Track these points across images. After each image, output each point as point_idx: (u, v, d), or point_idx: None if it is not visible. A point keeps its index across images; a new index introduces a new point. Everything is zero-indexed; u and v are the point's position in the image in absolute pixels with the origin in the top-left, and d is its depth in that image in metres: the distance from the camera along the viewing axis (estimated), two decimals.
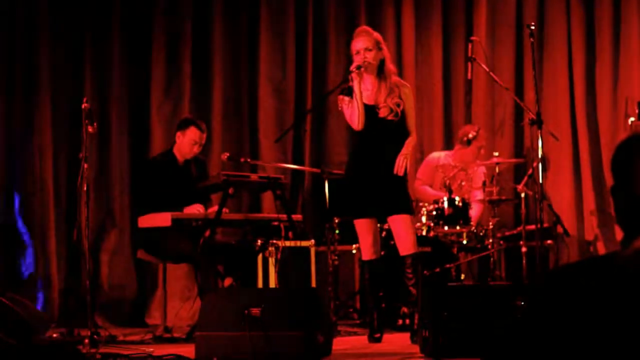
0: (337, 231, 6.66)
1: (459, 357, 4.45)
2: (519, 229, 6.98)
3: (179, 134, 6.23)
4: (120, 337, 5.87)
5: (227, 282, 6.04)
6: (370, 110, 5.34)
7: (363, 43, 5.33)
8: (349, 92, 5.32)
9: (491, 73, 6.02)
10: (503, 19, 7.96)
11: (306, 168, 7.35)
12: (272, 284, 6.18)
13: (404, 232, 5.34)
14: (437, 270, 6.45)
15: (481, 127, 7.30)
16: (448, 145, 7.75)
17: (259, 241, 6.27)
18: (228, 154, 6.32)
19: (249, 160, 6.72)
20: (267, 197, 7.48)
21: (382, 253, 5.65)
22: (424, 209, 6.73)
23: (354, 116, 5.30)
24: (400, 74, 5.69)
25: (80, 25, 7.37)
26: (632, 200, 1.61)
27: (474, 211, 6.89)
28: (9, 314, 4.70)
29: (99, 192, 7.26)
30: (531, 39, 5.72)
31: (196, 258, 5.85)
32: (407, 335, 5.44)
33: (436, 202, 6.68)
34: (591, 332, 1.44)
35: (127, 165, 7.47)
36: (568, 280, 1.51)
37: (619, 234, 6.50)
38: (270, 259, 6.21)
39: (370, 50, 5.32)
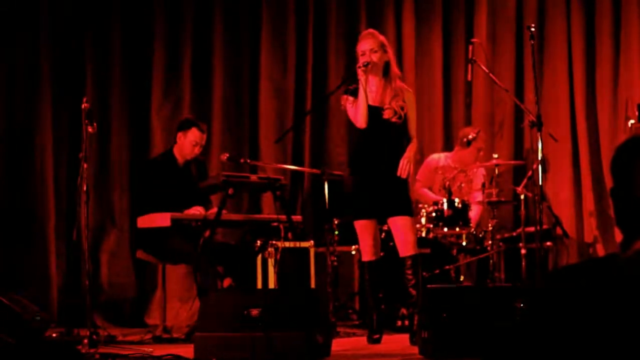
0: (336, 232, 6.66)
1: (458, 359, 4.45)
2: (518, 230, 6.99)
3: (179, 134, 6.23)
4: (120, 337, 5.87)
5: (227, 282, 6.04)
6: (374, 111, 5.35)
7: (369, 44, 5.37)
8: (354, 92, 5.35)
9: (491, 75, 6.02)
10: (503, 20, 7.97)
11: (306, 169, 7.34)
12: (272, 284, 6.18)
13: (404, 234, 5.34)
14: (437, 271, 6.46)
15: (481, 129, 7.30)
16: (448, 146, 7.75)
17: (259, 242, 6.28)
18: (228, 155, 6.32)
19: (248, 161, 6.71)
20: (267, 198, 7.48)
21: (382, 254, 5.65)
22: (423, 210, 6.74)
23: (358, 114, 5.32)
24: (402, 76, 5.70)
25: (81, 25, 7.37)
26: (632, 202, 1.61)
27: (474, 213, 6.90)
28: (9, 313, 4.70)
29: (99, 192, 7.25)
30: (531, 41, 5.72)
31: (196, 258, 5.84)
32: (406, 336, 5.44)
33: (436, 203, 6.68)
34: (591, 333, 1.45)
35: (127, 166, 7.47)
36: (568, 281, 1.51)
37: (618, 236, 6.51)
38: (269, 260, 6.21)
39: (375, 51, 5.35)
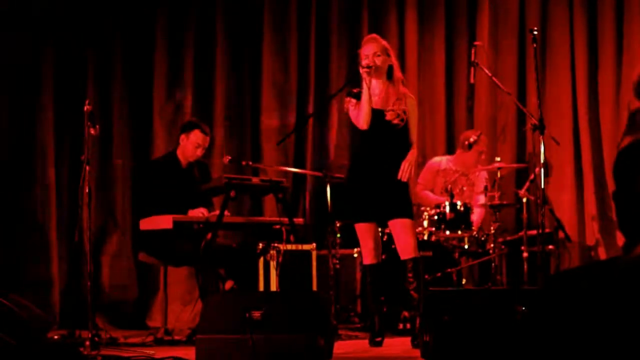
0: (338, 235, 6.66)
1: None
2: (520, 234, 6.98)
3: (183, 136, 6.23)
4: (121, 340, 5.87)
5: (228, 285, 6.04)
6: (376, 114, 5.35)
7: (372, 48, 5.38)
8: (357, 95, 5.36)
9: (494, 78, 6.02)
10: (506, 24, 7.96)
11: (308, 171, 7.35)
12: (273, 287, 6.18)
13: (405, 236, 5.34)
14: (439, 274, 6.46)
15: (483, 132, 7.30)
16: (450, 149, 7.75)
17: (261, 244, 6.28)
18: (230, 157, 6.33)
19: (250, 163, 6.72)
20: (269, 201, 7.48)
21: (384, 257, 5.64)
22: (425, 213, 6.73)
23: (361, 116, 5.33)
24: (405, 81, 5.70)
25: (83, 28, 7.37)
26: (634, 206, 1.61)
27: (476, 216, 6.90)
28: (10, 315, 4.70)
29: (101, 194, 7.26)
30: (534, 44, 5.72)
31: (197, 261, 5.85)
32: (408, 339, 5.44)
33: (438, 206, 6.68)
34: (593, 335, 1.44)
35: (129, 168, 7.48)
36: (571, 284, 1.51)
37: (620, 240, 6.50)
38: (271, 262, 6.21)
39: (379, 55, 5.36)
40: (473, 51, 5.83)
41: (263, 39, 7.83)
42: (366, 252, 5.46)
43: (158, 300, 7.03)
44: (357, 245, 5.80)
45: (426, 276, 6.23)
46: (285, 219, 5.97)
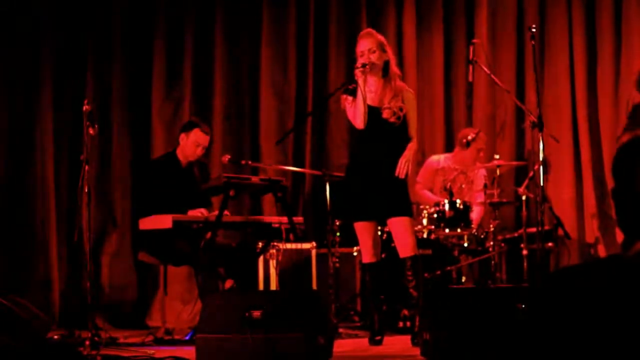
0: (337, 233, 6.66)
1: None
2: (519, 231, 6.98)
3: (182, 135, 6.23)
4: (121, 339, 5.86)
5: (228, 284, 6.04)
6: (373, 111, 5.34)
7: (367, 44, 5.35)
8: (353, 92, 5.34)
9: (492, 75, 6.02)
10: (504, 21, 7.96)
11: (307, 170, 7.34)
12: (273, 286, 6.18)
13: (403, 235, 5.33)
14: (438, 272, 6.46)
15: (482, 130, 7.29)
16: (449, 147, 7.75)
17: (260, 243, 6.28)
18: (229, 156, 6.33)
19: (249, 162, 6.72)
20: (268, 200, 7.48)
21: (383, 255, 5.64)
22: (425, 211, 6.73)
23: (357, 115, 5.31)
24: (402, 75, 5.69)
25: (82, 26, 7.37)
26: (634, 203, 1.61)
27: (475, 214, 6.89)
28: (10, 315, 4.70)
29: (100, 194, 7.26)
30: (532, 42, 5.71)
31: (197, 260, 5.85)
32: (408, 337, 5.44)
33: (437, 204, 6.68)
34: (594, 333, 1.44)
35: (128, 167, 7.48)
36: (570, 282, 1.51)
37: (620, 237, 6.50)
38: (271, 261, 6.22)
39: (374, 51, 5.33)
40: (471, 49, 5.82)
41: (262, 37, 7.82)
42: (365, 250, 5.46)
43: (158, 300, 7.04)
44: (357, 243, 5.80)
45: (426, 274, 6.23)
46: (285, 218, 5.97)
